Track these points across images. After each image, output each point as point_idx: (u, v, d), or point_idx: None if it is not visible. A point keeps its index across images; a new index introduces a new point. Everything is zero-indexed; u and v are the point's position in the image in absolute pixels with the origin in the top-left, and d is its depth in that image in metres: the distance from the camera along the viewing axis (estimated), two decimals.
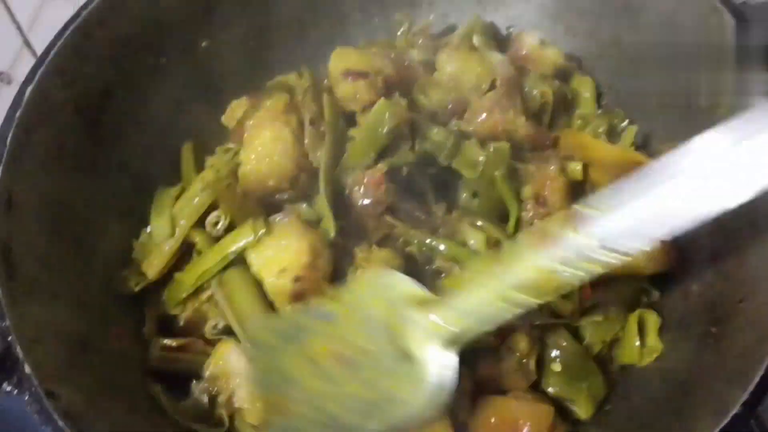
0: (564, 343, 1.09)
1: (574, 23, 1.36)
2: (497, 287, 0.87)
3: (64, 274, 1.05)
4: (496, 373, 1.06)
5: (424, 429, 0.97)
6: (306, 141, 1.16)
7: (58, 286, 1.03)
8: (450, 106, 1.23)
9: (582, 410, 1.08)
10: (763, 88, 0.94)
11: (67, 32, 1.12)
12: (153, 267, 1.14)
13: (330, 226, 1.11)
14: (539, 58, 1.30)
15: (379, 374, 0.93)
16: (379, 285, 0.99)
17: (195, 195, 1.18)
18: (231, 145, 1.25)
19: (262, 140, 1.16)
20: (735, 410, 0.85)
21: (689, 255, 1.15)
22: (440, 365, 0.91)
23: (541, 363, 1.09)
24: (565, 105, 1.30)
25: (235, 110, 1.29)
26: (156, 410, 1.04)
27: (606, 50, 1.33)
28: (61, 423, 0.85)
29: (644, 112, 1.28)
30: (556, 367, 1.08)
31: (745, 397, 0.85)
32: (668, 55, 1.21)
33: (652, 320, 1.12)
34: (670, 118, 1.23)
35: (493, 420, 1.02)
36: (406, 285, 0.97)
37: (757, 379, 0.86)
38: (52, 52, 1.11)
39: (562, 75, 1.33)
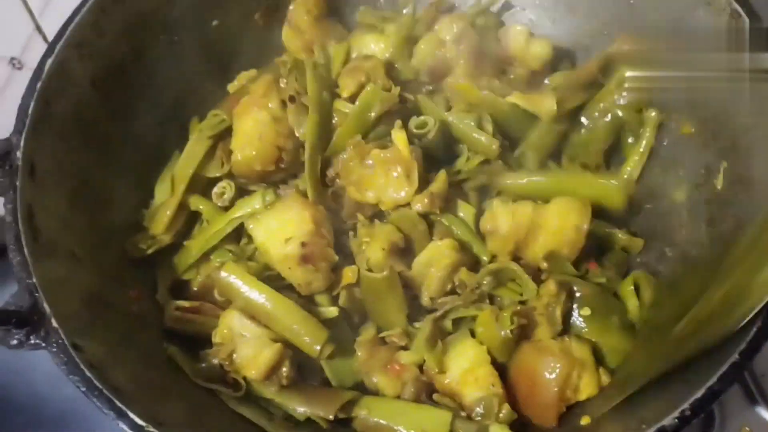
0: (584, 288, 1.11)
1: (576, 3, 1.38)
2: None
3: (83, 238, 1.09)
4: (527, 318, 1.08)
5: (468, 369, 1.03)
6: (289, 118, 1.19)
7: (78, 248, 1.07)
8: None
9: (616, 338, 1.10)
10: None
11: (85, 8, 1.16)
12: (158, 226, 1.18)
13: (313, 197, 1.14)
14: (526, 56, 1.28)
15: None
16: None
17: (189, 154, 1.24)
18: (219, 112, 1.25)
19: (244, 128, 1.19)
20: (733, 359, 0.89)
21: (687, 223, 1.20)
22: None
23: (569, 315, 1.11)
24: None
25: (242, 81, 1.31)
26: (175, 369, 1.07)
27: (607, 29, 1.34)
28: (88, 373, 0.89)
29: None
30: (585, 311, 1.10)
31: (742, 346, 0.89)
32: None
33: (647, 282, 1.15)
34: None
35: (518, 367, 1.07)
36: None
37: (754, 331, 0.90)
38: (70, 27, 1.14)
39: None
